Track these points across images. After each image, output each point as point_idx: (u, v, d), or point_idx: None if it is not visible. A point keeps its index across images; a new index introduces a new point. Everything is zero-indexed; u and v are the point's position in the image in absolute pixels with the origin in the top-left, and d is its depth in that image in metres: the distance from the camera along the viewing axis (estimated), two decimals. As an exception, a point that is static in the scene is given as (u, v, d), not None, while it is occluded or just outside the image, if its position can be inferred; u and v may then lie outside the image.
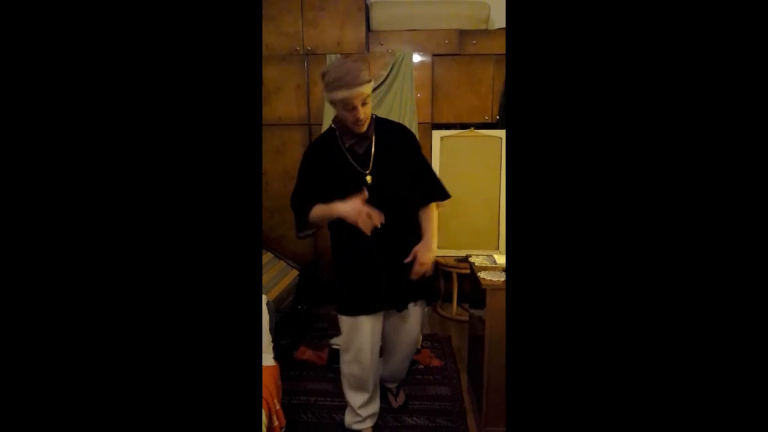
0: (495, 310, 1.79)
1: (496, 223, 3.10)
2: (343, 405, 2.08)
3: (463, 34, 3.00)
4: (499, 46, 2.97)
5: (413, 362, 2.39)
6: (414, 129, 2.96)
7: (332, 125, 1.68)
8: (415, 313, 1.79)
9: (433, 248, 1.65)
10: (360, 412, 1.85)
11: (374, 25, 3.07)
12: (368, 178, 1.61)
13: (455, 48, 3.00)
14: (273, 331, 1.89)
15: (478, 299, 2.02)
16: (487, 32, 3.04)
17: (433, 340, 2.76)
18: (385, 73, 2.96)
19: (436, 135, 3.05)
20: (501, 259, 2.07)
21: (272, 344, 1.85)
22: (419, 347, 2.17)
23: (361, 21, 2.97)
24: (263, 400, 1.57)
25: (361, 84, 1.49)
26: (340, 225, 1.58)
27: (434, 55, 2.99)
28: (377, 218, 1.50)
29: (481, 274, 1.88)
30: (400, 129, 1.75)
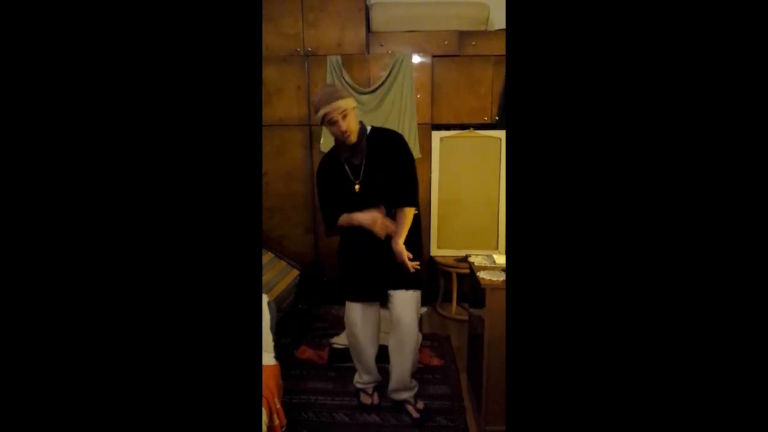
0: (494, 310, 1.80)
1: (495, 223, 3.11)
2: (344, 404, 2.14)
3: (462, 35, 3.00)
4: (499, 47, 2.98)
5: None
6: (414, 130, 2.98)
7: (334, 144, 1.90)
8: (400, 297, 1.92)
9: (397, 243, 1.85)
10: (363, 377, 2.13)
11: (374, 27, 3.08)
12: (356, 187, 1.86)
13: (455, 49, 3.01)
14: (274, 330, 1.90)
15: (477, 299, 2.02)
16: (486, 33, 3.05)
17: (432, 339, 2.76)
18: (385, 74, 2.97)
19: (436, 136, 3.06)
20: (500, 259, 2.08)
21: (273, 343, 1.86)
22: (419, 346, 2.22)
23: (362, 22, 2.98)
24: (264, 399, 1.58)
25: (337, 99, 1.73)
26: (348, 231, 1.89)
27: (434, 56, 3.00)
28: (390, 226, 1.83)
29: (481, 274, 1.88)
30: (392, 136, 1.90)
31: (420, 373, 2.37)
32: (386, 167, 1.84)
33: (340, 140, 1.82)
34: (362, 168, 1.85)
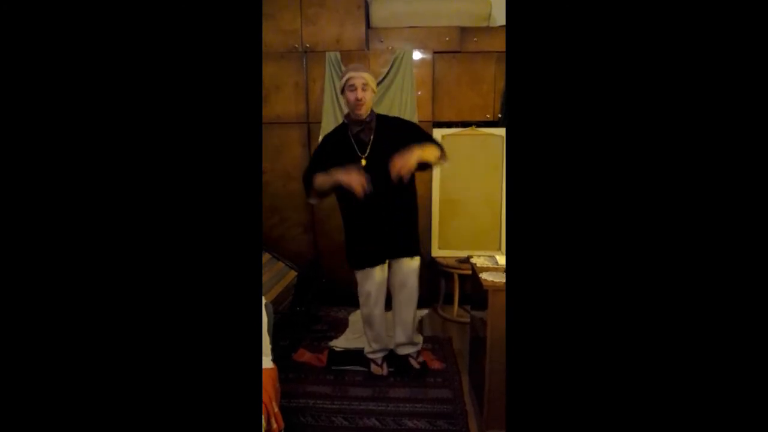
0: (496, 312, 1.77)
1: (497, 223, 3.06)
2: (342, 408, 2.12)
3: (464, 31, 2.96)
4: (501, 43, 2.94)
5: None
6: (414, 127, 2.96)
7: (344, 120, 2.16)
8: (406, 263, 2.22)
9: (408, 158, 1.93)
10: (372, 345, 2.35)
11: (374, 22, 3.03)
12: (363, 161, 2.08)
13: (456, 45, 2.97)
14: (271, 333, 1.87)
15: (479, 300, 2.00)
16: (488, 29, 3.01)
17: (433, 342, 2.72)
18: (385, 71, 2.93)
19: (437, 133, 3.01)
20: (502, 260, 2.05)
21: (271, 346, 1.83)
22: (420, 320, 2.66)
23: (361, 18, 2.94)
24: (262, 403, 1.55)
25: (364, 71, 2.03)
26: (347, 202, 2.10)
27: (435, 52, 2.96)
28: (367, 183, 1.94)
29: (483, 275, 1.86)
30: (399, 121, 2.23)
31: (421, 376, 2.35)
32: (395, 140, 2.04)
33: (352, 113, 2.07)
34: (370, 144, 2.10)
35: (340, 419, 2.02)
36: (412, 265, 2.23)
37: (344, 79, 2.02)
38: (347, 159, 2.07)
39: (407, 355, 2.37)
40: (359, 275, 2.25)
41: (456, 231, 3.08)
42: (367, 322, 2.33)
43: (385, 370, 2.33)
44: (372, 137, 2.10)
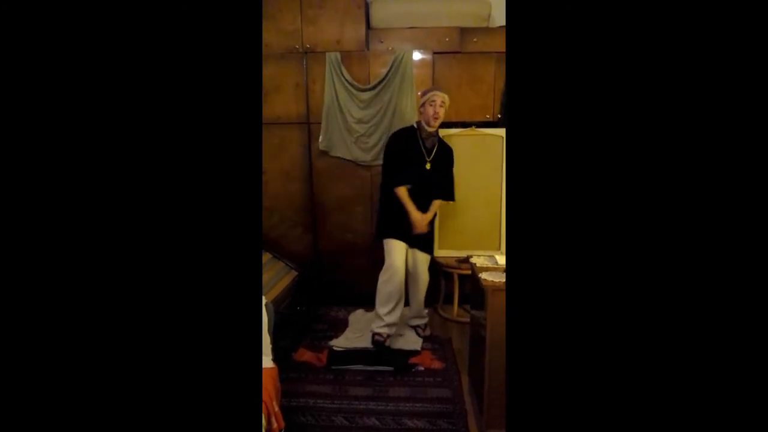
0: (496, 311, 1.78)
1: (497, 223, 3.07)
2: (342, 407, 2.11)
3: (464, 31, 2.97)
4: (501, 43, 2.94)
5: (414, 365, 2.45)
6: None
7: (414, 125, 2.58)
8: (421, 260, 2.70)
9: (427, 217, 2.59)
10: (385, 318, 2.58)
11: (374, 23, 3.04)
12: (428, 165, 2.54)
13: (456, 46, 2.97)
14: (272, 332, 1.87)
15: (478, 300, 2.00)
16: (488, 30, 3.01)
17: (433, 341, 2.74)
18: (385, 71, 2.94)
19: (437, 134, 3.02)
20: (502, 260, 2.05)
21: (271, 346, 1.83)
22: (426, 322, 2.89)
23: (361, 18, 2.94)
24: (262, 403, 1.55)
25: (443, 92, 2.47)
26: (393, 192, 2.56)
27: (435, 52, 2.96)
28: (424, 229, 2.59)
29: (482, 275, 1.86)
30: (449, 147, 2.68)
31: (421, 376, 2.38)
32: (445, 163, 2.61)
33: (426, 124, 2.48)
34: (433, 153, 2.54)
35: (341, 418, 2.02)
36: (425, 261, 2.71)
37: (428, 95, 2.45)
38: (416, 157, 2.52)
39: (416, 326, 2.83)
40: (390, 250, 2.58)
41: (456, 231, 3.09)
42: (388, 298, 2.58)
43: (388, 341, 2.60)
44: (435, 147, 2.56)
